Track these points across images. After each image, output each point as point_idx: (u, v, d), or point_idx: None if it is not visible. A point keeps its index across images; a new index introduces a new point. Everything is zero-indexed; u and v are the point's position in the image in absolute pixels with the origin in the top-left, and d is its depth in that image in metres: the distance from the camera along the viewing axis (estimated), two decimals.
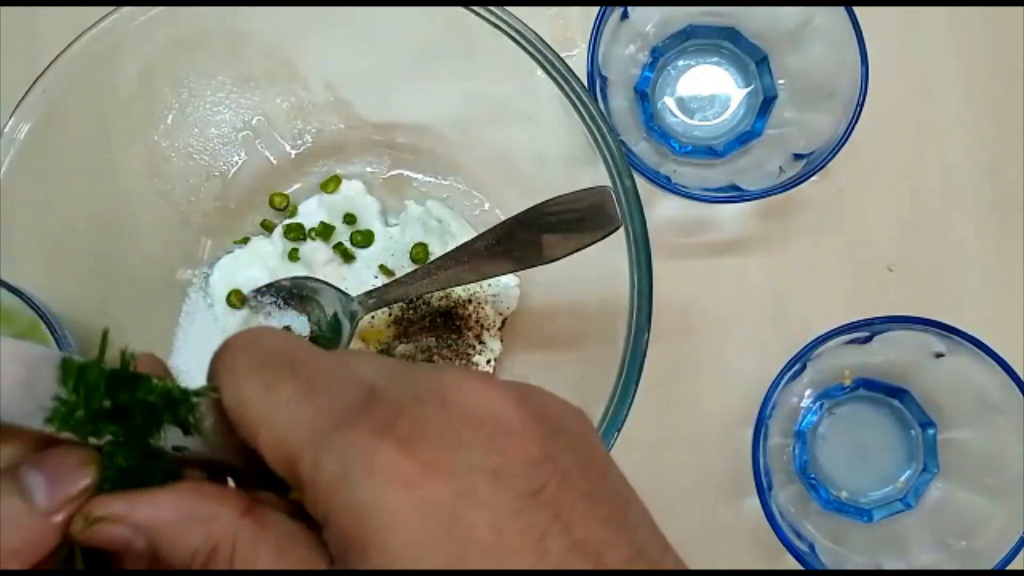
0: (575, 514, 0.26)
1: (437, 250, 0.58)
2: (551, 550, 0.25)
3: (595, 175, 0.48)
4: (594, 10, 0.54)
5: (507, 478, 0.26)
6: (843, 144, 0.53)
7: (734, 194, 0.55)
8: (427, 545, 0.25)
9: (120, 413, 0.28)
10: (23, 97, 0.49)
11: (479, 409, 0.27)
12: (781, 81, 0.59)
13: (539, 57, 0.48)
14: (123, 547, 0.27)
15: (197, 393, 0.29)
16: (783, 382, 0.53)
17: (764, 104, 0.60)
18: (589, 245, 0.47)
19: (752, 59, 0.60)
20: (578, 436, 0.29)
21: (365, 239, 0.59)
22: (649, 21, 0.59)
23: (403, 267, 0.58)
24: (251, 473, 0.30)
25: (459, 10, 0.48)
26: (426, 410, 0.27)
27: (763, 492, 0.52)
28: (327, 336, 0.55)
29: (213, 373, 0.29)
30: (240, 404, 0.28)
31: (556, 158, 0.54)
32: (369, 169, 0.60)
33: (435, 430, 0.27)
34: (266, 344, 0.30)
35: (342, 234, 0.59)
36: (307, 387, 0.28)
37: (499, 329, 0.58)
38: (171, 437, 0.29)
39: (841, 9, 0.53)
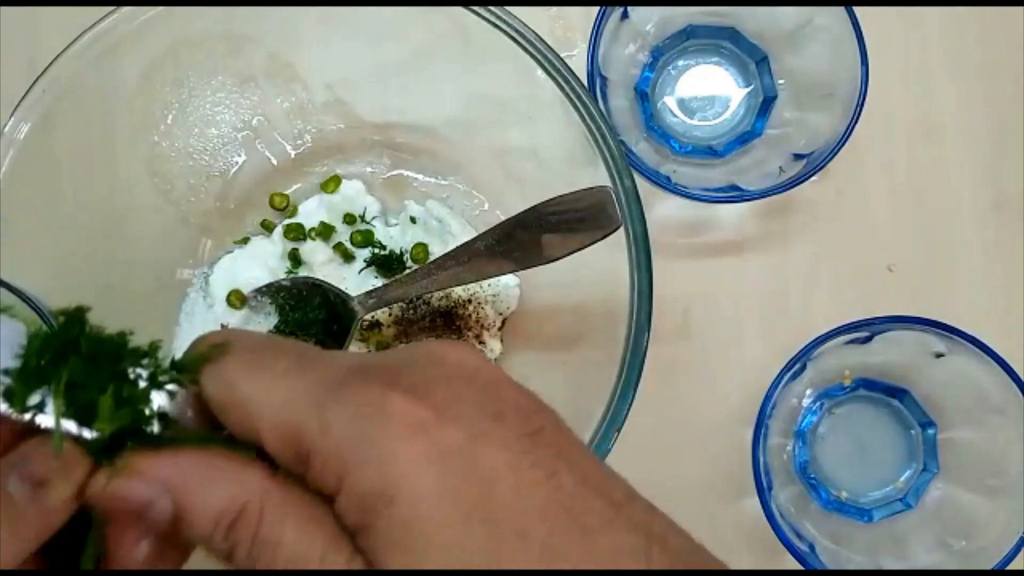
0: (574, 454, 0.28)
1: (437, 250, 0.58)
2: (563, 485, 0.26)
3: (595, 175, 0.48)
4: (594, 10, 0.54)
5: (508, 420, 0.27)
6: (843, 144, 0.53)
7: (734, 194, 0.55)
8: (451, 487, 0.25)
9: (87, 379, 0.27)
10: (23, 97, 0.49)
11: (468, 365, 0.28)
12: (781, 81, 0.59)
13: (539, 57, 0.48)
14: (144, 508, 0.26)
15: (179, 376, 0.28)
16: (783, 382, 0.53)
17: (764, 104, 0.60)
18: (589, 245, 0.47)
19: (752, 59, 0.60)
20: (549, 406, 0.30)
21: (365, 239, 0.59)
22: (649, 21, 0.59)
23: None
24: None
25: (459, 10, 0.48)
26: (422, 369, 0.28)
27: (763, 492, 0.52)
28: (326, 338, 0.55)
29: (191, 366, 0.29)
30: (229, 386, 0.28)
31: (556, 158, 0.54)
32: (369, 169, 0.60)
33: (436, 383, 0.27)
34: (245, 335, 0.30)
35: (342, 234, 0.59)
36: (300, 362, 0.28)
37: (499, 329, 0.58)
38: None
39: (841, 9, 0.53)
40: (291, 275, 0.58)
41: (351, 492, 0.26)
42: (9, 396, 0.26)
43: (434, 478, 0.25)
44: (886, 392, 0.58)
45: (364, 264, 0.58)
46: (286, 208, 0.60)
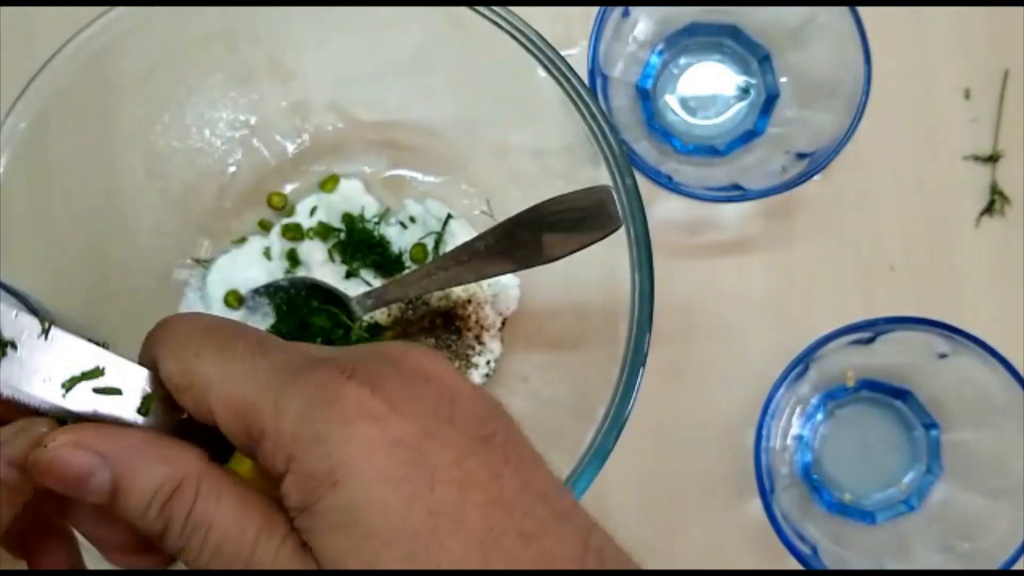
0: (522, 461, 0.29)
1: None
2: (506, 487, 0.27)
3: (596, 174, 0.48)
4: (595, 8, 0.54)
5: (460, 423, 0.28)
6: (845, 143, 0.53)
7: (736, 193, 0.55)
8: (397, 475, 0.26)
9: None
10: (19, 96, 0.48)
11: (427, 369, 0.29)
12: (783, 79, 0.59)
13: (540, 56, 0.48)
14: (84, 480, 0.27)
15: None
16: (786, 383, 0.53)
17: (766, 103, 0.59)
18: (590, 245, 0.47)
19: (754, 57, 0.60)
20: (508, 414, 0.31)
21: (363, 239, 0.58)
22: (651, 19, 0.59)
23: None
24: None
25: (459, 9, 0.48)
26: (379, 365, 0.29)
27: (765, 494, 0.52)
28: (324, 339, 0.55)
29: (151, 347, 0.30)
30: (188, 366, 0.28)
31: (557, 157, 0.54)
32: (368, 168, 0.60)
33: (392, 380, 0.28)
34: (206, 318, 0.31)
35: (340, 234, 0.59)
36: (260, 345, 0.29)
37: (499, 330, 0.58)
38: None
39: (844, 8, 0.53)
40: (289, 275, 0.58)
41: (297, 471, 0.26)
42: None
43: (380, 465, 0.26)
44: (889, 393, 0.58)
45: (362, 264, 0.58)
46: (284, 207, 0.59)
